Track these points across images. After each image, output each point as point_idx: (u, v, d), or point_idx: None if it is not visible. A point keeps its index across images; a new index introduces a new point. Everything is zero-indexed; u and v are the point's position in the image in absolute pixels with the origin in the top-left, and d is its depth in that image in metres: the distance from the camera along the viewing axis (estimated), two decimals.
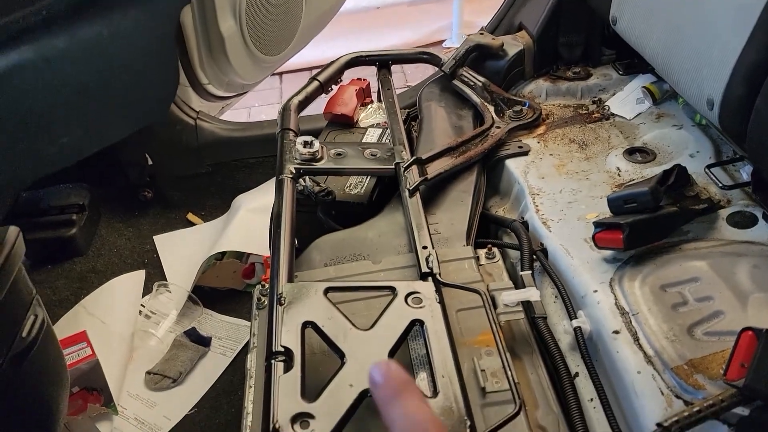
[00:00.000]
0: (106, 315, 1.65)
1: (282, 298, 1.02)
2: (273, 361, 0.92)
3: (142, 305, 1.81)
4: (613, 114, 1.52)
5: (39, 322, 0.80)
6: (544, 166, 1.39)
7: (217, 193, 2.25)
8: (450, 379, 0.90)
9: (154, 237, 2.12)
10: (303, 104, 1.57)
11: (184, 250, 2.03)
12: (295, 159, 1.34)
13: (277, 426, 0.82)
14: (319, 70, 1.63)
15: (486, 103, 1.58)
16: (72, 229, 2.01)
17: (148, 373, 1.63)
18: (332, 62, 1.66)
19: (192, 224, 2.20)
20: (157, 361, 1.65)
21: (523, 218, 1.33)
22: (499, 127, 1.50)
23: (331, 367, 0.93)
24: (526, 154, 1.44)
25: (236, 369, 1.64)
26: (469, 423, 0.84)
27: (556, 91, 1.64)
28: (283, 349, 0.93)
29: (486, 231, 1.39)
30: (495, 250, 1.24)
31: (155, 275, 1.96)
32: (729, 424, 0.79)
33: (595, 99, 1.59)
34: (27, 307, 0.80)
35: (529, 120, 1.53)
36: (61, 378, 0.92)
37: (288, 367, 0.91)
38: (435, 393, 0.88)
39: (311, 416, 0.84)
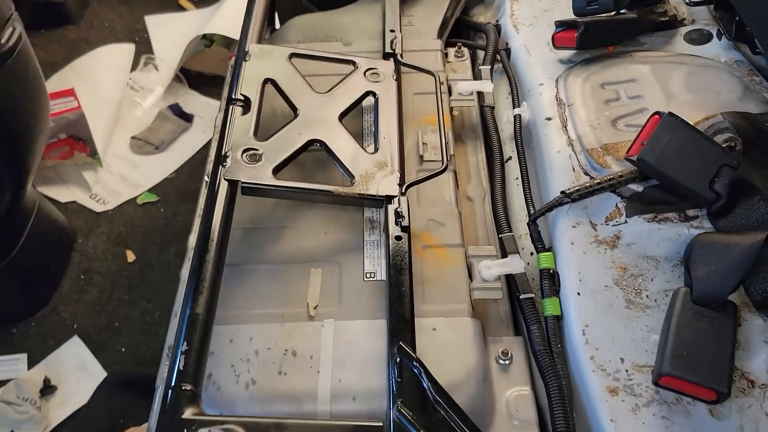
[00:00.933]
0: (95, 78, 1.72)
1: (247, 55, 1.09)
2: (231, 106, 1.01)
3: (130, 78, 1.87)
4: None
5: (17, 35, 0.87)
6: None
7: None
8: (390, 141, 1.00)
9: (145, 17, 2.13)
10: None
11: (174, 32, 2.04)
12: None
13: (227, 153, 0.92)
14: None
15: None
16: None
17: (133, 138, 1.73)
18: None
19: (184, 10, 2.20)
20: (142, 129, 1.76)
21: (497, 21, 1.36)
22: None
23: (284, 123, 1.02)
24: None
25: None
26: (399, 175, 0.95)
27: None
28: (242, 97, 1.02)
29: (465, 38, 1.42)
30: (464, 49, 1.29)
31: (143, 50, 2.00)
32: (622, 197, 0.89)
33: None
34: (5, 20, 0.86)
35: None
36: (39, 96, 1.01)
37: (245, 112, 1.00)
38: (375, 150, 0.99)
39: (259, 152, 0.94)
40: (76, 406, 1.19)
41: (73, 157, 1.57)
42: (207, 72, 1.96)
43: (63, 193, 1.56)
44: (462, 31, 1.44)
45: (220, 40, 1.97)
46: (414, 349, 0.76)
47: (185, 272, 0.96)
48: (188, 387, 0.69)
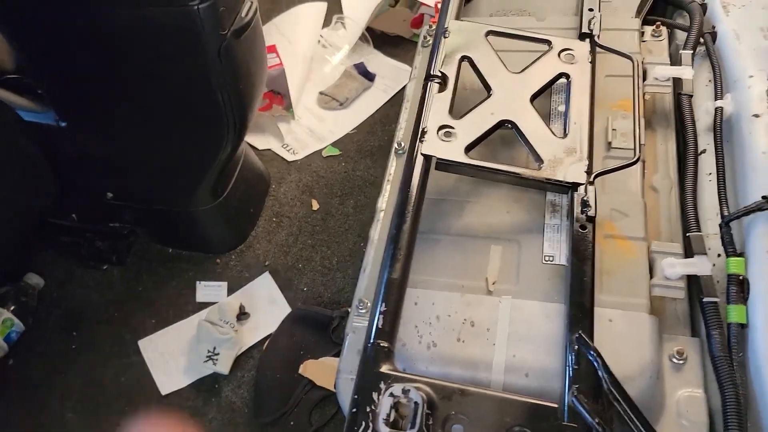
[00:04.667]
0: (292, 35, 1.83)
1: (447, 32, 1.11)
2: (430, 82, 1.05)
3: (320, 35, 1.97)
4: None
5: (254, 8, 0.97)
6: None
7: None
8: (580, 126, 0.99)
9: None
10: None
11: None
12: None
13: (425, 129, 0.97)
14: None
15: None
16: None
17: (321, 93, 1.85)
18: None
19: None
20: (329, 85, 1.86)
21: (703, 0, 1.26)
22: None
23: (478, 102, 1.05)
24: None
25: (393, 104, 1.81)
26: (587, 163, 0.94)
27: None
28: (440, 74, 1.05)
29: (663, 15, 1.34)
30: (663, 28, 1.22)
31: (334, 9, 2.09)
32: None
33: None
34: None
35: None
36: (262, 59, 1.12)
37: (442, 89, 1.04)
38: (564, 135, 0.98)
39: (454, 130, 0.98)
40: (265, 332, 1.35)
41: (272, 110, 1.72)
42: (389, 32, 2.01)
43: (260, 141, 1.72)
44: (658, 6, 1.35)
45: (404, 1, 2.01)
46: (592, 339, 0.78)
47: (374, 233, 1.03)
48: (385, 344, 0.77)
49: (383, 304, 0.80)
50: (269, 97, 1.69)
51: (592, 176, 0.92)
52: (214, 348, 1.29)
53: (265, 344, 1.31)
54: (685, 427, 0.80)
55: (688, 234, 0.91)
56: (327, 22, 2.04)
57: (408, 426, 0.69)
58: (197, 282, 1.43)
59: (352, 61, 1.92)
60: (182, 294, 1.42)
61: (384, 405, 0.71)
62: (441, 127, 0.98)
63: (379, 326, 0.78)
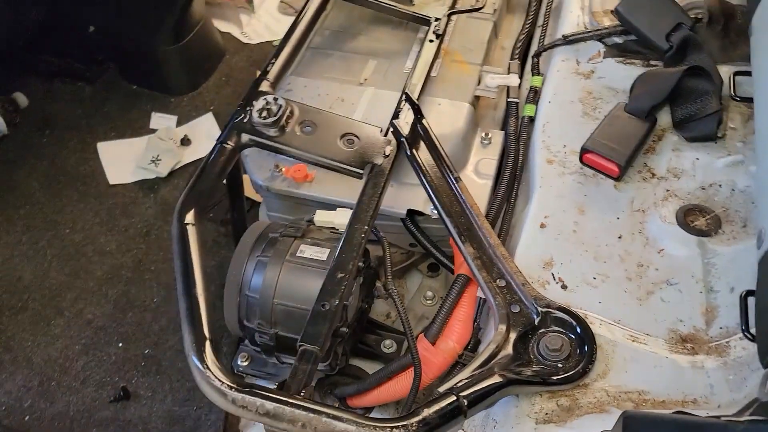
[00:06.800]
0: None
1: None
2: None
3: None
4: None
5: None
6: None
7: None
8: None
9: None
10: None
11: None
12: None
13: None
14: None
15: None
16: None
17: (281, 1, 2.12)
18: None
19: None
20: None
21: None
22: None
23: None
24: None
25: None
26: (450, 4, 1.23)
27: None
28: None
29: None
30: None
31: None
32: (605, 45, 1.12)
33: None
34: None
35: None
36: None
37: None
38: None
39: None
40: (200, 156, 1.61)
41: (234, 0, 1.99)
42: None
43: (223, 26, 1.96)
44: None
45: None
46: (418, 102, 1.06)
47: None
48: (271, 80, 1.04)
49: (274, 59, 1.07)
50: None
51: (449, 13, 1.21)
52: (158, 155, 1.53)
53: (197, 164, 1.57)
54: (479, 174, 1.08)
55: (510, 61, 1.21)
56: None
57: (272, 116, 0.96)
58: (152, 112, 1.68)
59: None
60: (139, 120, 1.65)
61: (258, 104, 0.98)
62: None
63: (267, 71, 1.05)
